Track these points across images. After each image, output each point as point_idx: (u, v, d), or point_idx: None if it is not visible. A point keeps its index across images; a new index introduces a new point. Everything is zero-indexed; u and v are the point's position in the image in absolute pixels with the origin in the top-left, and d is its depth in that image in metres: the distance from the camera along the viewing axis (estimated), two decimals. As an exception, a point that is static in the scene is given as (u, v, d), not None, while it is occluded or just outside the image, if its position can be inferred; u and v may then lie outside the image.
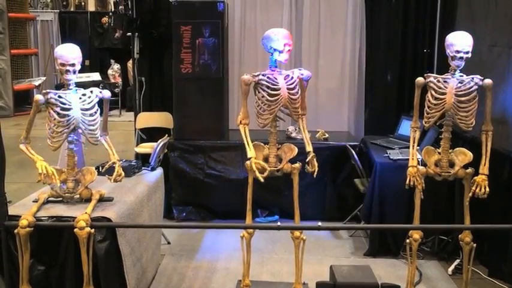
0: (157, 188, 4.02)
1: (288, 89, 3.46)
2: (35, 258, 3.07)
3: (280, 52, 3.48)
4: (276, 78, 3.47)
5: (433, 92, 3.45)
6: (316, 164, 3.47)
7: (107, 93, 3.34)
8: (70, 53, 3.18)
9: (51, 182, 3.13)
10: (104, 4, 14.21)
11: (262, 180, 3.31)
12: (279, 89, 3.45)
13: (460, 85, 3.40)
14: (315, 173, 3.49)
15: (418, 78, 3.51)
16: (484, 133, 3.45)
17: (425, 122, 3.51)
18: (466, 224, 3.50)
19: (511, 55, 4.07)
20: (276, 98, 3.45)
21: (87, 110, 3.21)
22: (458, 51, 3.38)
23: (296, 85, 3.50)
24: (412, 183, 3.46)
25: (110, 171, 3.31)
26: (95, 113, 3.24)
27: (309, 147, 3.50)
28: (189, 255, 4.55)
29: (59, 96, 3.16)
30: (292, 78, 3.50)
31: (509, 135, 4.02)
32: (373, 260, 4.40)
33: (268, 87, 3.46)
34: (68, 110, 3.16)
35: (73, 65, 3.16)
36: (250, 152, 3.39)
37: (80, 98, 3.21)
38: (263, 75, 3.47)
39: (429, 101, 3.47)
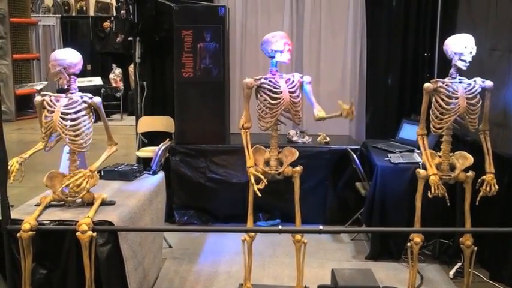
0: (158, 192, 4.02)
1: (289, 92, 3.48)
2: (37, 262, 3.08)
3: (281, 52, 3.51)
4: (277, 82, 3.49)
5: (444, 98, 3.43)
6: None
7: (96, 99, 3.23)
8: (53, 59, 3.19)
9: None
10: (103, 10, 14.25)
11: (259, 194, 3.36)
12: (280, 93, 3.47)
13: (468, 88, 3.42)
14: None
15: (426, 84, 3.49)
16: (481, 133, 3.48)
17: (437, 128, 3.46)
18: (467, 227, 3.51)
19: (511, 59, 4.08)
20: (278, 101, 3.46)
21: (67, 114, 3.16)
22: (466, 47, 3.39)
23: (297, 88, 3.52)
24: (436, 192, 3.38)
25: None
26: (77, 119, 3.17)
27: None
28: (191, 259, 4.55)
29: (50, 100, 3.18)
30: (293, 81, 3.52)
31: (509, 139, 4.03)
32: (374, 264, 4.41)
33: (270, 90, 3.48)
34: (51, 112, 3.17)
35: (64, 69, 3.16)
36: (250, 161, 3.43)
37: (68, 102, 3.18)
38: (265, 78, 3.50)
39: (441, 106, 3.43)
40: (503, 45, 4.22)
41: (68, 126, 3.15)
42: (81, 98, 3.21)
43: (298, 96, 3.52)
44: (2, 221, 3.02)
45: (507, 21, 4.17)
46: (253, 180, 3.37)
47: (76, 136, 3.17)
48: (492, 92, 3.46)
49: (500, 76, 4.10)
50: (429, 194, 3.41)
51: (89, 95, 3.24)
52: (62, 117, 3.15)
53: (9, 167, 3.02)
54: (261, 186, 3.39)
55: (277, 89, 3.48)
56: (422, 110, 3.51)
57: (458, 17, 5.15)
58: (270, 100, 3.47)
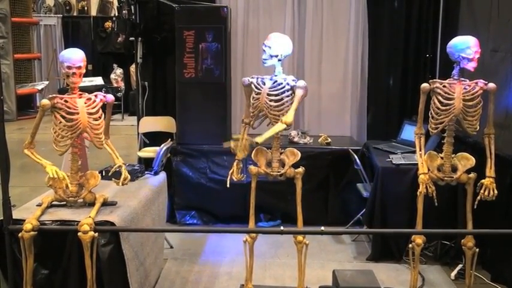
0: (160, 192, 4.03)
1: (267, 94, 3.45)
2: (38, 262, 3.08)
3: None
4: (263, 83, 3.49)
5: (440, 98, 3.42)
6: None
7: (110, 97, 3.33)
8: (76, 55, 3.20)
9: (61, 187, 3.15)
10: (105, 10, 14.26)
11: (228, 184, 3.52)
12: (259, 93, 3.47)
13: (466, 90, 3.41)
14: None
15: (423, 84, 3.48)
16: (486, 136, 3.45)
17: (433, 128, 3.46)
18: (468, 228, 3.50)
19: (513, 60, 4.08)
20: (256, 102, 3.48)
21: (92, 114, 3.21)
22: (476, 52, 3.38)
23: (284, 92, 3.43)
24: (425, 190, 3.39)
25: (115, 174, 3.32)
26: (100, 117, 3.25)
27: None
28: (192, 259, 4.55)
29: (65, 101, 3.18)
30: (280, 84, 3.46)
31: (511, 141, 4.02)
32: (375, 265, 4.41)
33: (254, 90, 3.51)
34: (74, 114, 3.18)
35: (79, 67, 3.17)
36: (239, 153, 3.48)
37: (85, 103, 3.22)
38: (257, 78, 3.52)
39: (437, 107, 3.43)
40: (505, 46, 4.22)
41: (94, 125, 3.21)
42: (96, 96, 3.26)
43: (280, 99, 3.42)
44: (3, 221, 3.03)
45: (509, 22, 4.16)
46: (233, 169, 3.51)
47: (99, 134, 3.23)
48: (495, 95, 3.43)
49: (502, 77, 4.10)
50: (418, 192, 3.42)
51: (102, 93, 3.32)
52: (89, 117, 3.19)
53: (55, 175, 3.07)
54: (238, 177, 3.53)
55: (258, 90, 3.49)
56: (419, 109, 3.52)
57: (460, 18, 5.15)
58: (252, 100, 3.51)
